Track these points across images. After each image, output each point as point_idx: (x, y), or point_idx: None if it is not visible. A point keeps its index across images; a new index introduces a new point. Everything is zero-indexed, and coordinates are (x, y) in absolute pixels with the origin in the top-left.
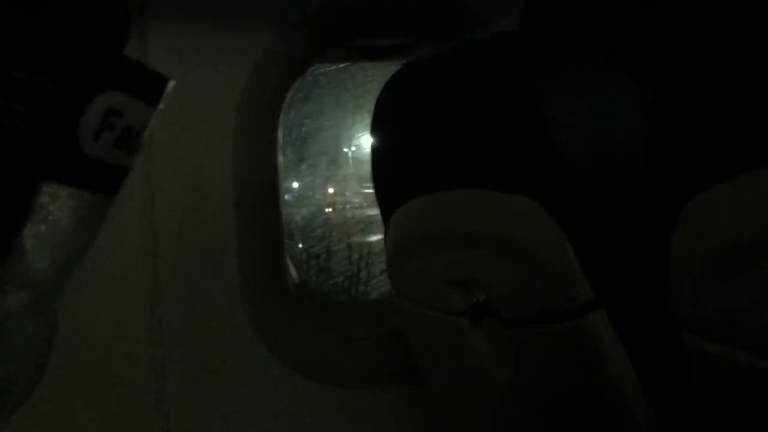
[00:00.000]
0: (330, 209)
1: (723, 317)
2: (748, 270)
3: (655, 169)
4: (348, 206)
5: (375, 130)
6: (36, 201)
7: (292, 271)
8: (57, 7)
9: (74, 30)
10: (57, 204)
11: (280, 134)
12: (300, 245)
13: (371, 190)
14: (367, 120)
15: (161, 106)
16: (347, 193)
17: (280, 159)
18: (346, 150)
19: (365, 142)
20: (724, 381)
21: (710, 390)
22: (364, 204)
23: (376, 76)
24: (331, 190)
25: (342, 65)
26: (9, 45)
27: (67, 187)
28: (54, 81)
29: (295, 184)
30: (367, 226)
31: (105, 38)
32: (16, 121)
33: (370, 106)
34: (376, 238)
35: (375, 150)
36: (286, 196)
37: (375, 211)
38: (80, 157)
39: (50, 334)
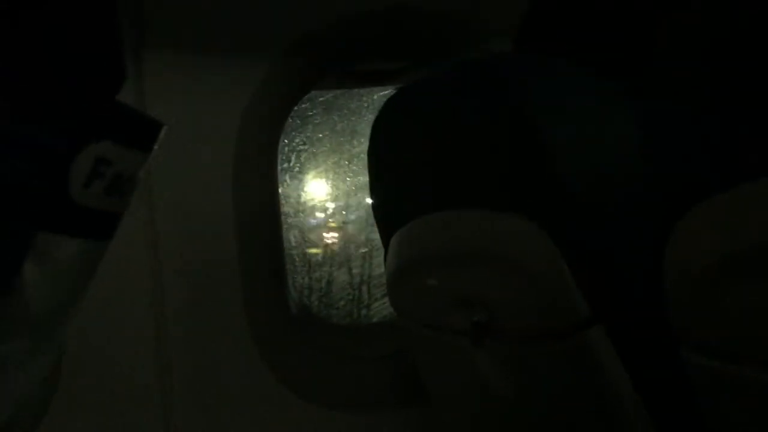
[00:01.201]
0: (330, 233)
1: (722, 331)
2: (748, 282)
3: (651, 184)
4: (348, 230)
5: (372, 154)
6: (31, 247)
7: (294, 295)
8: (49, 57)
9: (66, 80)
10: (53, 249)
11: (278, 161)
12: (301, 270)
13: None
14: (364, 145)
15: (155, 149)
16: (347, 217)
17: (280, 185)
18: (344, 174)
19: (363, 166)
20: (725, 395)
21: (711, 403)
22: (364, 228)
23: (372, 101)
24: (330, 214)
25: (339, 91)
26: (5, 96)
27: (60, 235)
28: (44, 132)
29: (295, 209)
30: (367, 251)
31: (98, 86)
32: (6, 171)
33: (367, 131)
34: (376, 261)
35: (373, 173)
36: (286, 221)
37: (375, 235)
38: (71, 206)
39: (53, 372)
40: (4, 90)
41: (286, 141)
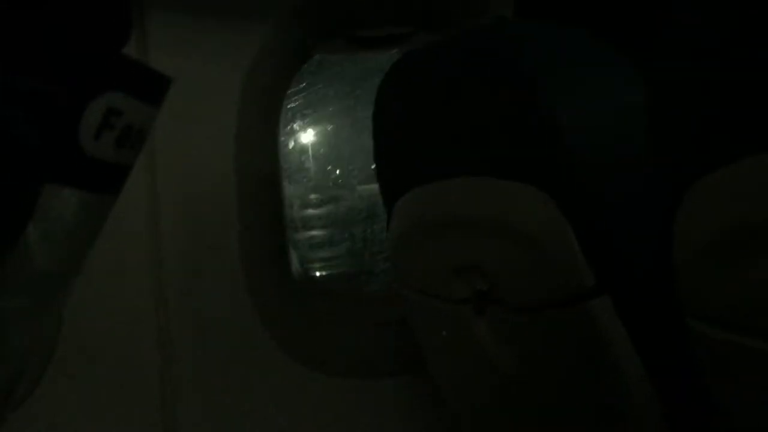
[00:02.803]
0: (333, 199)
1: (729, 302)
2: (755, 254)
3: (659, 154)
4: (350, 196)
5: (377, 119)
6: (38, 202)
7: (295, 261)
8: (56, 9)
9: (73, 31)
10: (59, 205)
11: (281, 124)
12: (303, 236)
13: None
14: (369, 110)
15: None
16: (349, 183)
17: (282, 149)
18: (349, 140)
19: (367, 130)
20: (730, 366)
21: (717, 375)
22: (366, 194)
23: (377, 66)
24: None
25: (344, 55)
26: (7, 49)
27: (69, 187)
28: (54, 83)
29: (298, 174)
30: (370, 216)
31: (105, 39)
32: (17, 123)
33: (372, 96)
34: (379, 227)
35: (377, 139)
36: (288, 187)
37: (378, 201)
38: (81, 157)
39: (55, 333)
40: (9, 44)
41: (289, 104)
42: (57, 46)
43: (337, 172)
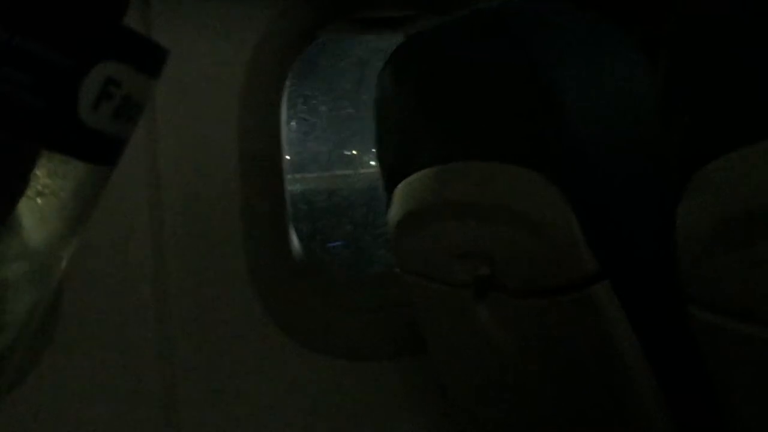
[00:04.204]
0: (334, 181)
1: (731, 289)
2: (758, 240)
3: (664, 139)
4: (352, 179)
5: (379, 103)
6: (34, 171)
7: (296, 244)
8: None
9: None
10: (54, 175)
11: (284, 107)
12: (304, 219)
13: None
14: (372, 92)
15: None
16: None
17: (285, 132)
18: (351, 123)
19: (370, 115)
20: (732, 353)
21: (718, 363)
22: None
23: (380, 49)
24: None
25: (347, 38)
26: (6, 11)
27: (65, 157)
28: (53, 48)
29: (300, 157)
30: (370, 200)
31: (104, 6)
32: (15, 87)
33: (374, 79)
34: (380, 211)
35: (379, 122)
36: (289, 170)
37: (379, 184)
38: (79, 127)
39: (50, 304)
40: (9, 6)
41: (292, 86)
42: (57, 12)
43: (340, 154)
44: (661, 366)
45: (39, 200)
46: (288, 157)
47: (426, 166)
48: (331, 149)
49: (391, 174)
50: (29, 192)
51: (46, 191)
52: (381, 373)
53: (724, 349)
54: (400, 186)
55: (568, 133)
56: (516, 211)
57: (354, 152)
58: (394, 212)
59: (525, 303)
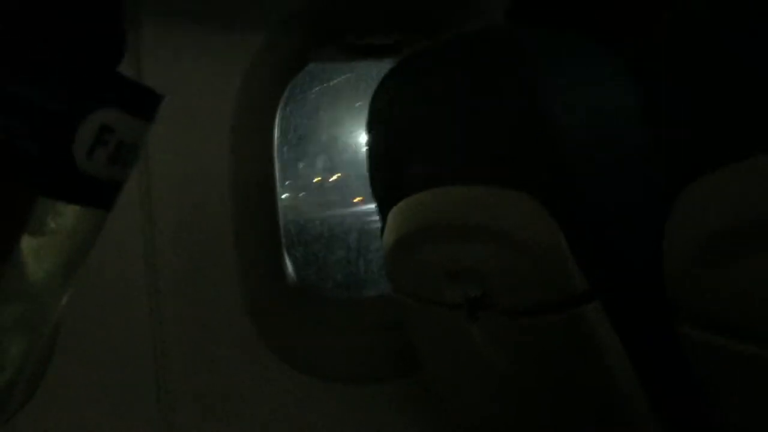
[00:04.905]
0: (327, 206)
1: (720, 306)
2: (747, 256)
3: (651, 160)
4: (345, 203)
5: (371, 127)
6: (31, 215)
7: (290, 268)
8: (53, 23)
9: (69, 46)
10: (52, 218)
11: (276, 132)
12: (298, 243)
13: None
14: (364, 116)
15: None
16: (344, 190)
17: (277, 158)
18: (342, 148)
19: (362, 140)
20: (721, 369)
21: (707, 378)
22: (362, 202)
23: (370, 74)
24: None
25: (337, 64)
26: (4, 60)
27: (62, 202)
28: (51, 97)
29: (293, 181)
30: (364, 224)
31: (100, 55)
32: (11, 134)
33: (366, 105)
34: (373, 234)
35: (371, 147)
36: (282, 195)
37: (372, 208)
38: (75, 173)
39: (47, 346)
40: (6, 54)
41: (284, 113)
42: (54, 60)
43: (332, 179)
44: (652, 383)
45: (35, 242)
46: (281, 182)
47: (417, 190)
48: (324, 173)
49: (384, 198)
50: (27, 234)
51: (45, 233)
52: (375, 396)
53: (714, 365)
54: (393, 209)
55: (556, 154)
56: (505, 232)
57: (347, 175)
58: (387, 236)
59: (517, 322)
